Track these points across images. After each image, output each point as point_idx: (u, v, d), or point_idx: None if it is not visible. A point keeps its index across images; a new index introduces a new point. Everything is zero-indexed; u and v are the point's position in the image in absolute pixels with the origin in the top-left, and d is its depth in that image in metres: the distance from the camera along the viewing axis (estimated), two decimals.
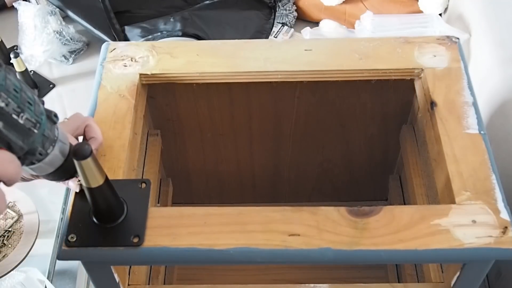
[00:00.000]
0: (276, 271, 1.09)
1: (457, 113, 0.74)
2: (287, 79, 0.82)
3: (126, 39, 1.48)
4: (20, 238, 1.10)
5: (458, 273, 0.69)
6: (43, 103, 0.56)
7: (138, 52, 0.83)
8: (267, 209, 0.66)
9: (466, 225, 0.64)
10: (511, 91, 1.02)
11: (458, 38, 0.83)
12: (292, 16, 1.56)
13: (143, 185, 0.68)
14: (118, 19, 1.49)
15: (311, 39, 1.39)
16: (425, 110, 0.78)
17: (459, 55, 0.80)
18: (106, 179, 0.60)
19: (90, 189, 0.59)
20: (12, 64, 1.31)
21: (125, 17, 1.52)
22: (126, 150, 0.72)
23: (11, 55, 1.29)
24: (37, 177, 0.63)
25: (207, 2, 1.55)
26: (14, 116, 0.51)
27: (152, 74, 0.81)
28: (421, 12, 1.48)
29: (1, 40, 1.43)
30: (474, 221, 0.64)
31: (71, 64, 1.51)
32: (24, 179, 0.63)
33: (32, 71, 1.47)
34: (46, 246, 1.14)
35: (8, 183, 0.52)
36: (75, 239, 0.64)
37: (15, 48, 1.51)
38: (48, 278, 1.08)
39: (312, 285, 0.76)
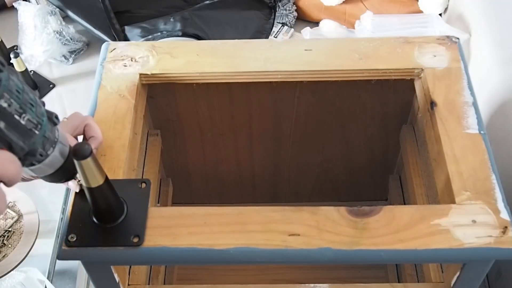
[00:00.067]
0: (276, 271, 1.09)
1: (457, 113, 0.74)
2: (287, 79, 0.82)
3: (126, 39, 1.48)
4: (20, 238, 1.10)
5: (458, 273, 0.69)
6: (44, 104, 0.56)
7: (138, 52, 0.83)
8: (267, 209, 0.66)
9: (466, 225, 0.64)
10: (511, 91, 1.02)
11: (458, 38, 0.83)
12: (292, 16, 1.56)
13: (143, 185, 0.68)
14: (118, 19, 1.49)
15: (311, 39, 1.39)
16: (425, 110, 0.78)
17: (459, 55, 0.80)
18: (106, 179, 0.60)
19: (90, 189, 0.59)
20: (12, 64, 1.31)
21: (125, 17, 1.52)
22: (126, 150, 0.72)
23: (11, 55, 1.29)
24: (37, 177, 0.63)
25: (207, 2, 1.55)
26: (16, 117, 0.51)
27: (152, 74, 0.81)
28: (421, 12, 1.48)
29: (1, 40, 1.43)
30: (474, 221, 0.64)
31: (71, 64, 1.51)
32: (24, 179, 0.63)
33: (32, 71, 1.47)
34: (46, 246, 1.14)
35: (8, 184, 0.52)
36: (75, 239, 0.64)
37: (15, 48, 1.51)
38: (48, 278, 1.08)
39: (312, 285, 0.76)
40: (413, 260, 0.86)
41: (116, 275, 0.70)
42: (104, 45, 0.85)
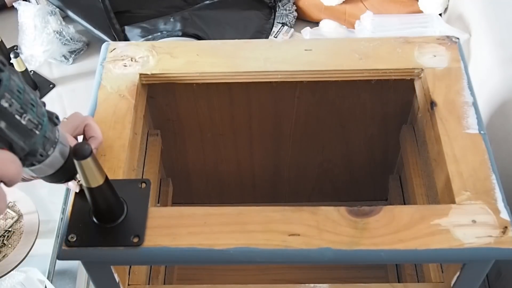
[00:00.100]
0: (276, 271, 1.09)
1: (457, 113, 0.74)
2: (287, 79, 0.82)
3: (126, 39, 1.48)
4: (20, 238, 1.10)
5: (458, 273, 0.69)
6: (44, 105, 0.56)
7: (138, 52, 0.83)
8: (267, 209, 0.66)
9: (466, 225, 0.64)
10: (511, 91, 1.02)
11: (458, 38, 0.83)
12: (292, 16, 1.56)
13: (143, 185, 0.68)
14: (118, 19, 1.49)
15: (311, 39, 1.39)
16: (425, 110, 0.78)
17: (459, 55, 0.80)
18: (106, 179, 0.60)
19: (90, 189, 0.59)
20: (12, 64, 1.31)
21: (125, 17, 1.52)
22: (126, 150, 0.72)
23: (11, 55, 1.29)
24: (37, 177, 0.63)
25: (207, 2, 1.55)
26: (17, 117, 0.51)
27: (152, 74, 0.81)
28: (421, 12, 1.48)
29: (1, 40, 1.43)
30: (474, 221, 0.64)
31: (71, 64, 1.51)
32: (24, 180, 0.63)
33: (32, 71, 1.47)
34: (46, 246, 1.14)
35: (9, 184, 0.52)
36: (75, 239, 0.64)
37: (15, 48, 1.51)
38: (48, 278, 1.08)
39: (312, 285, 0.76)
40: (413, 260, 0.86)
41: (116, 275, 0.70)
42: (104, 45, 0.85)
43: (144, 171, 0.89)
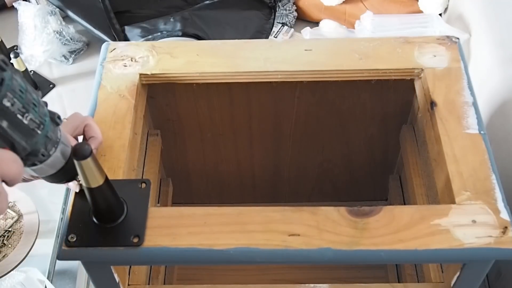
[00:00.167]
0: (276, 271, 1.09)
1: (457, 113, 0.74)
2: (287, 79, 0.82)
3: (126, 39, 1.48)
4: (20, 238, 1.10)
5: (458, 273, 0.69)
6: (46, 105, 0.56)
7: (138, 52, 0.83)
8: (267, 209, 0.66)
9: (466, 225, 0.64)
10: (511, 91, 1.02)
11: (458, 38, 0.83)
12: (292, 16, 1.56)
13: (143, 185, 0.68)
14: (118, 19, 1.49)
15: (311, 39, 1.39)
16: (425, 110, 0.78)
17: (459, 55, 0.80)
18: (106, 179, 0.60)
19: (90, 189, 0.59)
20: (12, 64, 1.31)
21: (125, 17, 1.52)
22: (126, 150, 0.72)
23: (11, 55, 1.29)
24: (37, 177, 0.63)
25: (207, 2, 1.55)
26: (19, 116, 0.51)
27: (152, 74, 0.81)
28: (421, 12, 1.48)
29: (1, 40, 1.43)
30: (474, 221, 0.64)
31: (71, 64, 1.51)
32: (24, 180, 0.63)
33: (32, 71, 1.47)
34: (46, 246, 1.14)
35: (10, 183, 0.52)
36: (75, 239, 0.64)
37: (15, 48, 1.51)
38: (48, 278, 1.08)
39: (312, 285, 0.76)
40: (413, 260, 0.86)
41: (116, 275, 0.70)
42: (104, 45, 0.85)
43: (144, 171, 0.89)
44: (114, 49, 0.84)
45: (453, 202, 0.66)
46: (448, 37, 0.83)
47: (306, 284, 0.77)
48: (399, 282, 1.01)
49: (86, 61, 1.52)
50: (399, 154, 1.01)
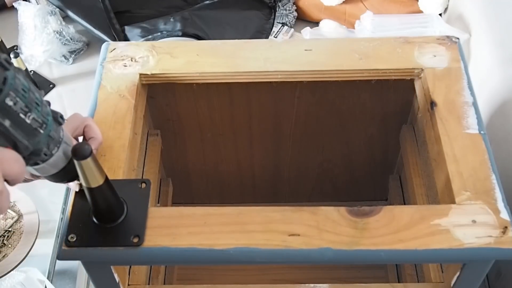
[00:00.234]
0: (276, 271, 1.09)
1: (457, 113, 0.74)
2: (287, 79, 0.82)
3: (126, 39, 1.48)
4: (20, 238, 1.10)
5: (458, 273, 0.69)
6: (49, 104, 0.56)
7: (138, 52, 0.83)
8: (267, 209, 0.66)
9: (466, 225, 0.64)
10: (511, 91, 1.02)
11: (458, 38, 0.83)
12: (292, 16, 1.56)
13: (143, 185, 0.68)
14: (118, 19, 1.49)
15: (311, 39, 1.39)
16: (425, 110, 0.78)
17: (459, 55, 0.80)
18: (106, 179, 0.60)
19: (90, 189, 0.59)
20: None
21: (125, 17, 1.52)
22: (126, 150, 0.72)
23: (11, 55, 1.29)
24: (38, 177, 0.63)
25: (207, 2, 1.55)
26: (22, 116, 0.51)
27: (152, 74, 0.81)
28: (421, 12, 1.48)
29: (1, 40, 1.42)
30: (474, 221, 0.64)
31: (71, 64, 1.51)
32: (25, 180, 0.63)
33: (32, 71, 1.47)
34: (46, 246, 1.14)
35: (11, 182, 0.52)
36: (75, 239, 0.64)
37: (15, 48, 1.51)
38: (48, 278, 1.08)
39: (312, 285, 0.76)
40: (413, 260, 0.86)
41: (116, 275, 0.70)
42: (104, 45, 0.85)
43: (144, 171, 0.89)
44: (114, 49, 0.84)
45: (453, 202, 0.66)
46: (448, 37, 0.83)
47: (306, 284, 0.77)
48: (399, 282, 1.01)
49: (86, 61, 1.52)
50: (399, 154, 1.01)
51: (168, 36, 1.44)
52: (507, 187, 0.72)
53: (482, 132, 0.72)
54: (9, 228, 1.12)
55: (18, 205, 1.15)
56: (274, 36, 1.52)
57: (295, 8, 1.57)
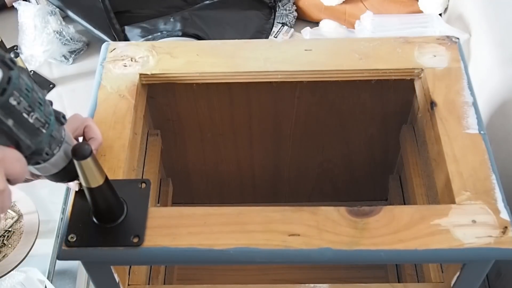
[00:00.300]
0: (276, 271, 1.09)
1: (457, 113, 0.74)
2: (287, 79, 0.82)
3: (126, 39, 1.48)
4: (20, 238, 1.10)
5: (458, 273, 0.69)
6: (51, 104, 0.56)
7: (138, 52, 0.83)
8: (267, 209, 0.66)
9: (466, 225, 0.64)
10: (511, 91, 1.02)
11: (458, 38, 0.83)
12: (292, 16, 1.56)
13: (143, 185, 0.68)
14: (118, 19, 1.49)
15: (311, 39, 1.39)
16: (425, 110, 0.78)
17: (459, 55, 0.80)
18: (106, 179, 0.60)
19: (90, 189, 0.59)
20: None
21: (125, 17, 1.52)
22: (126, 150, 0.72)
23: (11, 55, 1.29)
24: (38, 177, 0.63)
25: (207, 2, 1.55)
26: (25, 115, 0.51)
27: (152, 74, 0.81)
28: (421, 12, 1.48)
29: (1, 40, 1.43)
30: (474, 221, 0.64)
31: (71, 64, 1.51)
32: (25, 180, 0.63)
33: (32, 71, 1.47)
34: (46, 246, 1.14)
35: (13, 182, 0.52)
36: (75, 239, 0.64)
37: (15, 48, 1.51)
38: (48, 278, 1.08)
39: (312, 285, 0.76)
40: (413, 260, 0.86)
41: (116, 275, 0.70)
42: (104, 45, 0.85)
43: (144, 171, 0.89)
44: (114, 49, 0.84)
45: (453, 202, 0.66)
46: (448, 37, 0.83)
47: (306, 284, 0.77)
48: (399, 282, 1.01)
49: (86, 61, 1.52)
50: (399, 154, 1.01)
51: (168, 36, 1.44)
52: (507, 187, 0.72)
53: (482, 132, 0.72)
54: (9, 228, 1.12)
55: (18, 205, 1.15)
56: (274, 36, 1.52)
57: (295, 8, 1.57)
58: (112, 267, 0.69)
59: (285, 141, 1.02)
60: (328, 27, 1.51)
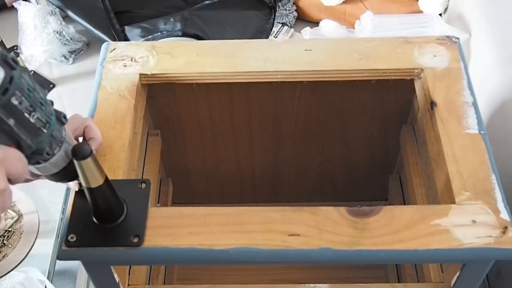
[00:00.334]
0: (276, 271, 1.09)
1: (457, 113, 0.74)
2: (287, 79, 0.82)
3: (126, 39, 1.48)
4: (20, 238, 1.10)
5: (458, 273, 0.69)
6: (52, 103, 0.56)
7: (138, 52, 0.83)
8: (267, 209, 0.66)
9: (466, 225, 0.64)
10: (511, 91, 1.02)
11: (458, 38, 0.83)
12: (292, 16, 1.56)
13: (143, 185, 0.68)
14: (118, 19, 1.49)
15: (311, 39, 1.39)
16: (425, 110, 0.78)
17: (459, 55, 0.80)
18: (106, 179, 0.60)
19: (90, 189, 0.59)
20: None
21: (125, 17, 1.52)
22: (126, 150, 0.72)
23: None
24: (38, 177, 0.63)
25: (207, 2, 1.55)
26: (26, 115, 0.51)
27: (152, 74, 0.81)
28: (421, 12, 1.48)
29: (1, 40, 1.43)
30: (474, 221, 0.64)
31: (71, 64, 1.51)
32: (25, 180, 0.63)
33: (32, 71, 1.47)
34: (46, 246, 1.14)
35: (14, 181, 0.52)
36: (75, 239, 0.64)
37: (15, 48, 1.51)
38: (48, 278, 1.08)
39: (312, 285, 0.76)
40: (413, 260, 0.86)
41: (116, 275, 0.70)
42: (104, 45, 0.85)
43: (144, 171, 0.89)
44: (114, 49, 0.84)
45: (453, 202, 0.66)
46: (448, 37, 0.83)
47: (306, 284, 0.77)
48: (399, 282, 1.01)
49: (86, 61, 1.52)
50: (399, 154, 1.01)
51: (168, 36, 1.44)
52: (507, 187, 0.72)
53: (482, 132, 0.72)
54: (9, 228, 1.12)
55: (18, 205, 1.15)
56: (274, 36, 1.52)
57: (295, 8, 1.57)
58: (112, 267, 0.69)
59: (285, 141, 1.02)
60: (328, 27, 1.51)
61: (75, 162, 0.55)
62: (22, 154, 0.52)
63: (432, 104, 0.75)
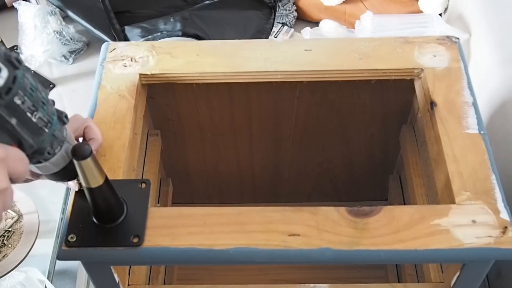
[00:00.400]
0: (276, 271, 1.09)
1: (457, 113, 0.74)
2: (287, 79, 0.82)
3: (126, 39, 1.48)
4: (20, 238, 1.10)
5: (458, 273, 0.69)
6: (54, 103, 0.57)
7: (138, 52, 0.83)
8: (267, 209, 0.66)
9: (466, 225, 0.64)
10: (511, 91, 1.02)
11: (458, 38, 0.83)
12: (292, 16, 1.56)
13: (143, 185, 0.68)
14: (118, 19, 1.49)
15: (311, 39, 1.39)
16: (425, 110, 0.78)
17: (459, 55, 0.80)
18: (106, 179, 0.60)
19: (90, 189, 0.59)
20: None
21: (125, 17, 1.52)
22: (126, 150, 0.72)
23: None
24: (38, 177, 0.63)
25: (207, 2, 1.55)
26: (28, 114, 0.51)
27: (152, 74, 0.81)
28: (421, 12, 1.48)
29: (1, 40, 1.43)
30: (474, 221, 0.64)
31: (71, 64, 1.51)
32: (26, 180, 0.63)
33: (32, 71, 1.47)
34: (46, 246, 1.14)
35: (15, 181, 0.52)
36: (75, 239, 0.64)
37: (15, 48, 1.51)
38: (48, 278, 1.08)
39: (312, 285, 0.76)
40: (413, 260, 0.86)
41: (116, 275, 0.70)
42: (104, 45, 0.85)
43: (144, 171, 0.89)
44: (114, 49, 0.84)
45: (453, 202, 0.66)
46: (448, 37, 0.83)
47: (306, 284, 0.77)
48: (399, 282, 1.01)
49: (86, 61, 1.52)
50: (399, 154, 1.01)
51: (168, 36, 1.44)
52: (507, 187, 0.72)
53: (482, 132, 0.72)
54: (9, 228, 1.12)
55: (18, 205, 1.15)
56: (274, 36, 1.52)
57: (295, 8, 1.57)
58: (112, 267, 0.69)
59: (285, 141, 1.02)
60: (328, 27, 1.51)
61: (75, 162, 0.56)
62: (23, 153, 0.52)
63: (432, 104, 0.75)
